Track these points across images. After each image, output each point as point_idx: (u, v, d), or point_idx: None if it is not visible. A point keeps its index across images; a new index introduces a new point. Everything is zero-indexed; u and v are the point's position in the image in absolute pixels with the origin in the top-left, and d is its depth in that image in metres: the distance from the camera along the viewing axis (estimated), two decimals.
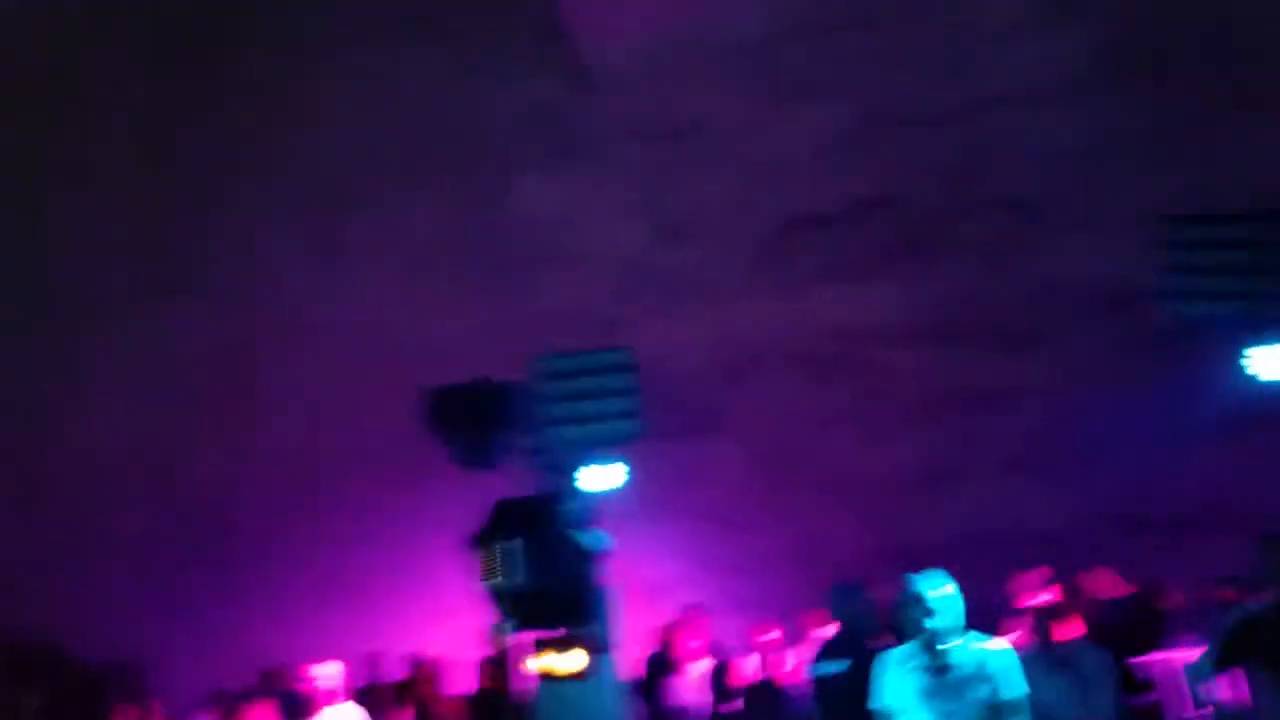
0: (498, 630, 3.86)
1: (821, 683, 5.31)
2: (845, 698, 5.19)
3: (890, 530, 10.34)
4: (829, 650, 5.53)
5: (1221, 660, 4.43)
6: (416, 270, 12.13)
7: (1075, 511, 9.79)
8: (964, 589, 5.26)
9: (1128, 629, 7.28)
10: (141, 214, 12.01)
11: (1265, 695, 4.32)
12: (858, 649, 5.39)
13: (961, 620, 4.61)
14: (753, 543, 10.80)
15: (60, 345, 11.68)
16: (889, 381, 10.79)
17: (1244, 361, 5.57)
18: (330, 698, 6.85)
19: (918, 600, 4.59)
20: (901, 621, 4.71)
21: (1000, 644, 4.76)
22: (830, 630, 6.56)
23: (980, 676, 4.53)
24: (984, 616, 6.52)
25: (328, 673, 6.95)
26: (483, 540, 4.12)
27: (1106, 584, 8.03)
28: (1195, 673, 4.57)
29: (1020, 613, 6.83)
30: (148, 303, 11.89)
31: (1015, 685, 4.55)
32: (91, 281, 11.92)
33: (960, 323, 10.64)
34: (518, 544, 4.21)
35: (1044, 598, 7.01)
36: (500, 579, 4.05)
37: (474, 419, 6.40)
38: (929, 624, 4.55)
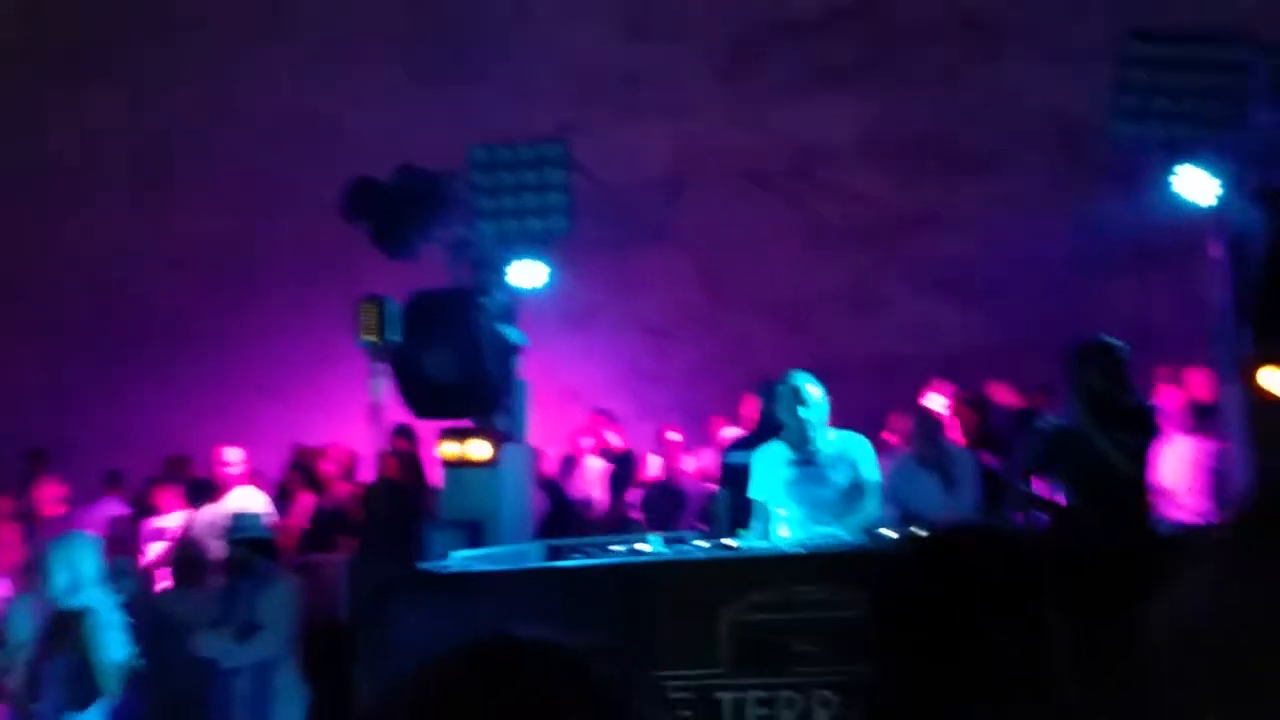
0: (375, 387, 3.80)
1: (731, 470, 5.49)
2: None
3: (812, 347, 10.40)
4: (746, 442, 5.65)
5: (1027, 470, 4.58)
6: (353, 55, 11.64)
7: (989, 335, 9.92)
8: (870, 405, 5.33)
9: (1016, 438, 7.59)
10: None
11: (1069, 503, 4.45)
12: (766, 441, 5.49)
13: (826, 416, 4.79)
14: (677, 353, 10.84)
15: None
16: (834, 202, 10.66)
17: (1172, 180, 5.52)
18: (234, 482, 6.85)
19: (795, 393, 4.72)
20: (778, 414, 4.87)
21: (857, 435, 4.97)
22: (736, 431, 6.66)
23: (841, 461, 4.77)
24: (877, 428, 6.68)
25: (232, 458, 6.92)
26: (366, 301, 4.01)
27: (1002, 396, 8.24)
28: (1009, 478, 4.74)
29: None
30: (66, 87, 11.33)
31: (873, 470, 4.78)
32: (10, 74, 11.33)
33: (911, 145, 10.49)
34: (396, 306, 4.10)
35: (931, 406, 7.19)
36: (376, 337, 3.96)
37: (399, 208, 6.20)
38: (801, 413, 4.66)
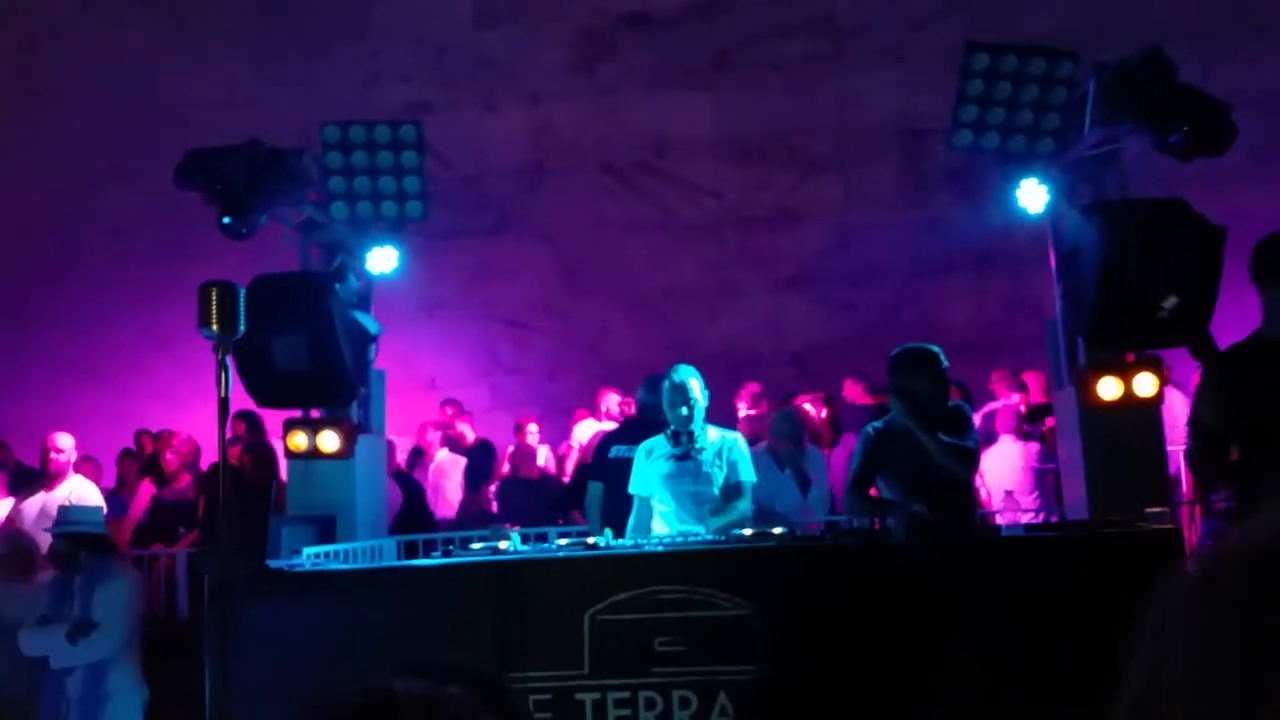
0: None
1: (610, 463, 5.46)
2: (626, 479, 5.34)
3: (668, 339, 10.54)
4: (624, 435, 5.64)
5: (862, 473, 4.72)
6: (200, 28, 11.10)
7: (837, 332, 10.25)
8: (722, 396, 5.41)
9: None
10: None
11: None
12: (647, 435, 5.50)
13: (704, 412, 4.85)
14: (535, 344, 10.79)
15: None
16: (688, 196, 10.79)
17: (1016, 194, 5.79)
18: (65, 471, 6.47)
19: (680, 388, 4.72)
20: (663, 407, 4.89)
21: (736, 434, 5.05)
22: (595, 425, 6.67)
23: (721, 459, 4.81)
24: (731, 421, 6.84)
25: (63, 445, 6.54)
26: (208, 287, 3.82)
27: (853, 394, 8.54)
28: (854, 495, 4.87)
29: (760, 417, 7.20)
30: None
31: (749, 470, 4.86)
32: None
33: (763, 142, 10.69)
34: (241, 293, 3.93)
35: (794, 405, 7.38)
36: (215, 329, 3.78)
37: (243, 183, 5.92)
38: (685, 409, 4.70)
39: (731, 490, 4.80)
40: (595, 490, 5.57)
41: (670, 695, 3.87)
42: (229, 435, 6.18)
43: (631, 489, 4.92)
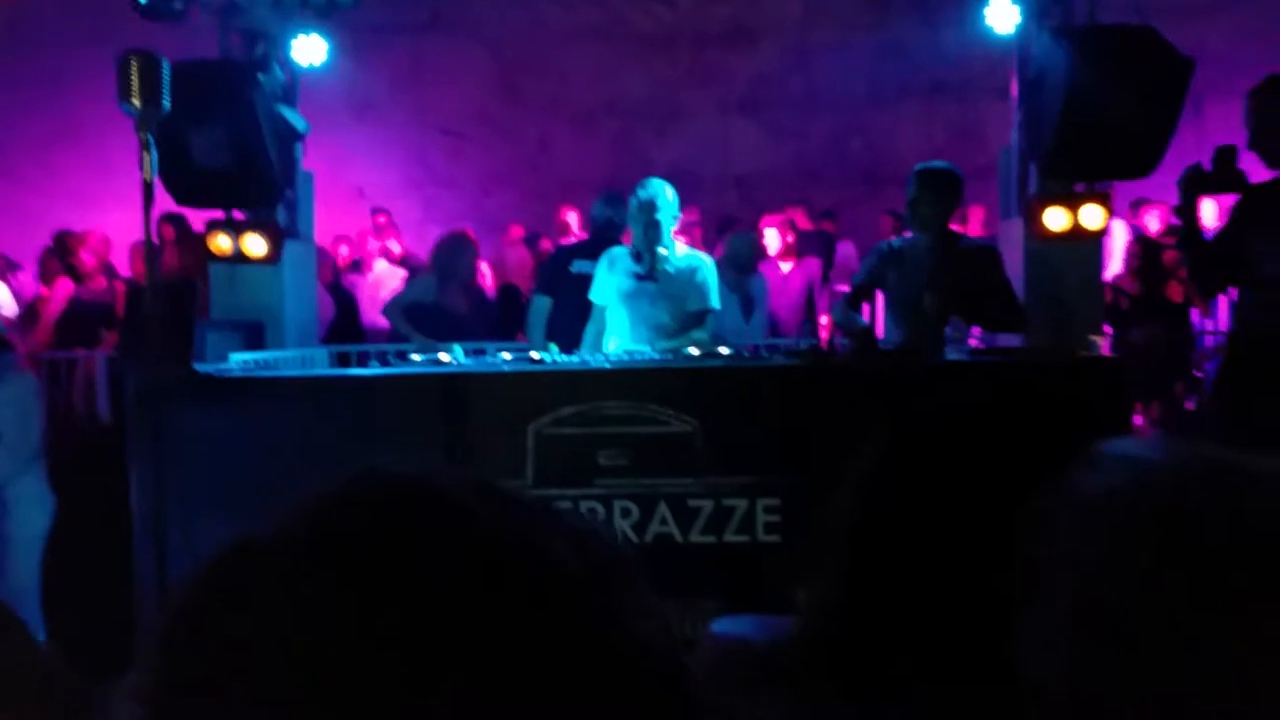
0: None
1: (570, 278, 5.29)
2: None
3: (610, 157, 10.24)
4: (584, 249, 5.46)
5: (861, 288, 4.74)
6: None
7: (784, 158, 10.06)
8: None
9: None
10: None
11: (895, 325, 4.65)
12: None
13: (672, 228, 4.66)
14: (470, 155, 10.40)
15: None
16: (643, 4, 10.27)
17: (984, 12, 5.57)
18: None
19: (651, 203, 4.54)
20: (629, 223, 4.71)
21: (706, 257, 4.86)
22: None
23: (688, 283, 4.64)
24: None
25: None
26: (130, 57, 3.49)
27: (799, 219, 8.47)
28: (842, 304, 4.86)
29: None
30: None
31: (714, 297, 4.71)
32: None
33: None
34: (164, 64, 3.60)
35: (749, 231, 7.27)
36: (138, 104, 3.48)
37: None
38: (654, 228, 4.54)
39: (692, 318, 4.63)
40: (541, 305, 5.38)
41: (612, 505, 3.86)
42: (156, 236, 5.88)
43: (592, 296, 4.74)
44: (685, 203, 8.68)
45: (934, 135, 9.99)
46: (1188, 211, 3.51)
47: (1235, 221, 3.51)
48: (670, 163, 10.03)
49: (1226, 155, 3.59)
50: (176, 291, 5.96)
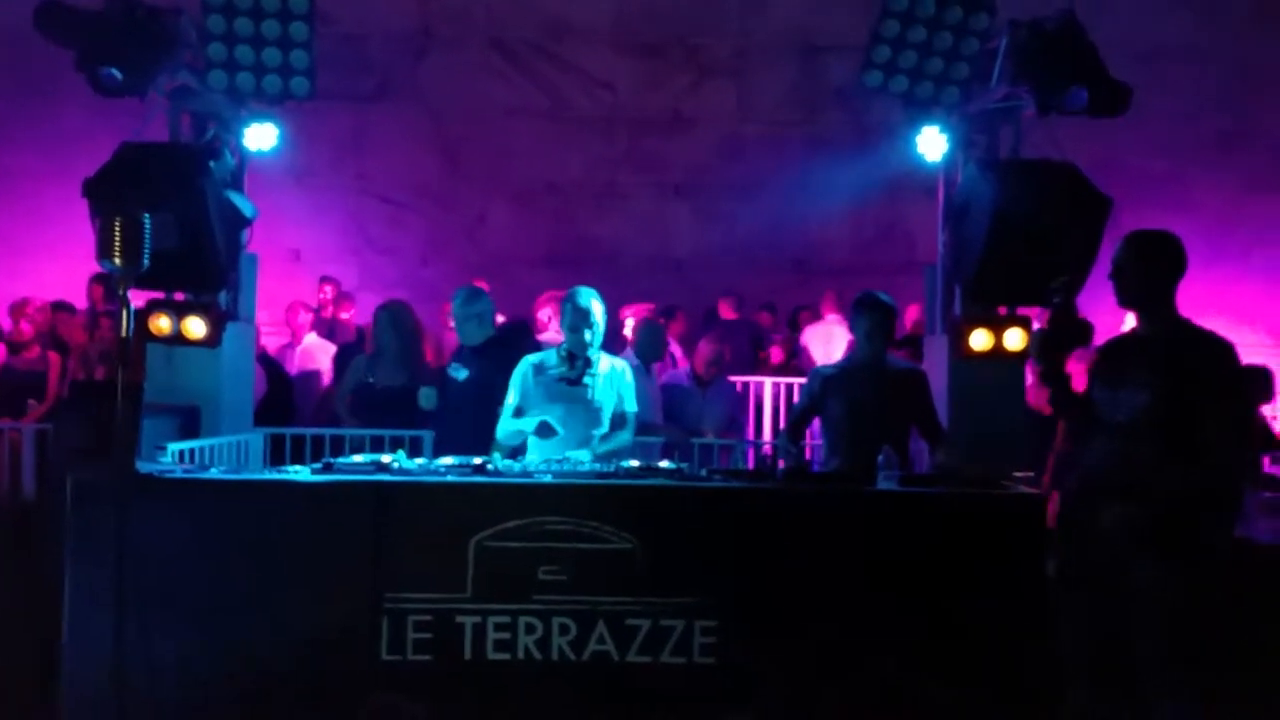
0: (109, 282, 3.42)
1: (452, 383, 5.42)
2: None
3: (547, 233, 10.41)
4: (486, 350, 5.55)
5: (802, 414, 4.94)
6: None
7: (721, 243, 10.31)
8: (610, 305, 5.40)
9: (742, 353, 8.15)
10: None
11: (831, 451, 4.84)
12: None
13: (602, 337, 4.84)
14: (411, 224, 10.46)
15: None
16: (586, 87, 10.50)
17: (915, 139, 5.87)
18: None
19: (583, 313, 4.69)
20: (563, 326, 4.85)
21: (625, 363, 5.07)
22: None
23: (610, 389, 4.83)
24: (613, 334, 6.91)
25: None
26: (103, 196, 3.54)
27: (726, 311, 8.71)
28: (784, 433, 5.07)
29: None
30: None
31: (633, 401, 4.92)
32: None
33: (663, 40, 10.46)
34: (144, 220, 3.66)
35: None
36: (119, 262, 3.54)
37: (115, 40, 5.44)
38: (587, 336, 4.68)
39: (617, 419, 4.83)
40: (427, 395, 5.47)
41: (551, 621, 3.93)
42: (93, 303, 5.76)
43: (510, 400, 4.84)
44: (626, 283, 8.92)
45: (863, 229, 10.36)
46: (1054, 375, 3.70)
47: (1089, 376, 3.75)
48: (607, 242, 10.25)
49: (1063, 316, 3.78)
50: (131, 393, 5.91)
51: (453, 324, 5.92)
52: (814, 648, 3.90)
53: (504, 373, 4.92)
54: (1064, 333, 3.74)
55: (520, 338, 5.72)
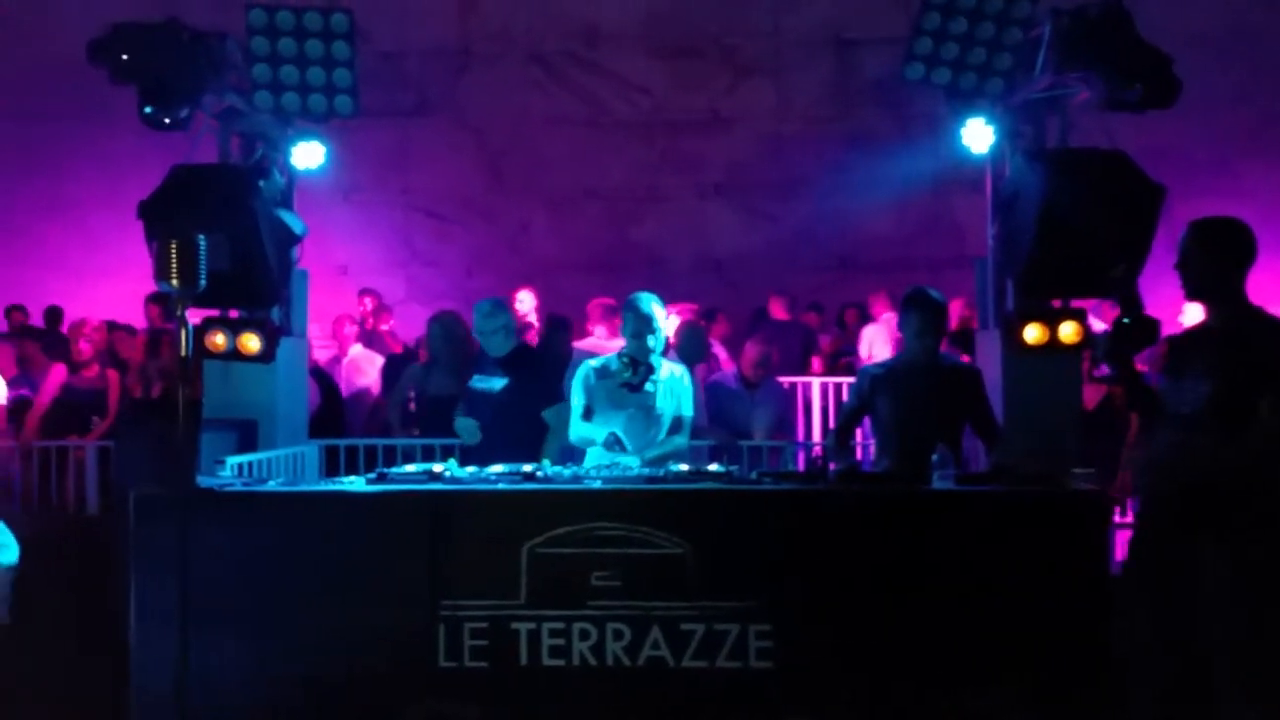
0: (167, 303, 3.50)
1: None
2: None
3: (589, 240, 10.45)
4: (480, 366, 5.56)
5: (851, 414, 4.89)
6: None
7: (763, 242, 10.29)
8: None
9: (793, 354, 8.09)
10: None
11: (882, 450, 4.79)
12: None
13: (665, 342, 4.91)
14: (455, 237, 10.56)
15: None
16: (620, 90, 10.53)
17: (960, 131, 5.80)
18: None
19: (646, 319, 4.73)
20: (622, 333, 4.89)
21: (684, 368, 5.09)
22: None
23: (670, 393, 4.85)
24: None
25: None
26: (156, 218, 3.61)
27: (778, 310, 8.67)
28: (833, 434, 5.03)
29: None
30: None
31: (689, 405, 4.94)
32: None
33: (697, 41, 10.47)
34: (200, 241, 3.72)
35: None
36: (176, 283, 3.60)
37: (167, 73, 5.53)
38: (650, 342, 4.70)
39: (674, 424, 4.85)
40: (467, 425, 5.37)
41: (605, 627, 3.94)
42: (151, 322, 5.79)
43: (576, 404, 4.87)
44: (668, 285, 8.94)
45: (906, 224, 10.27)
46: (1126, 376, 3.63)
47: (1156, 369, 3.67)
48: (649, 245, 10.26)
49: (1130, 314, 3.69)
50: (191, 409, 6.03)
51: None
52: (870, 650, 3.87)
53: (540, 380, 5.00)
54: (1133, 331, 3.65)
55: (557, 336, 5.69)
